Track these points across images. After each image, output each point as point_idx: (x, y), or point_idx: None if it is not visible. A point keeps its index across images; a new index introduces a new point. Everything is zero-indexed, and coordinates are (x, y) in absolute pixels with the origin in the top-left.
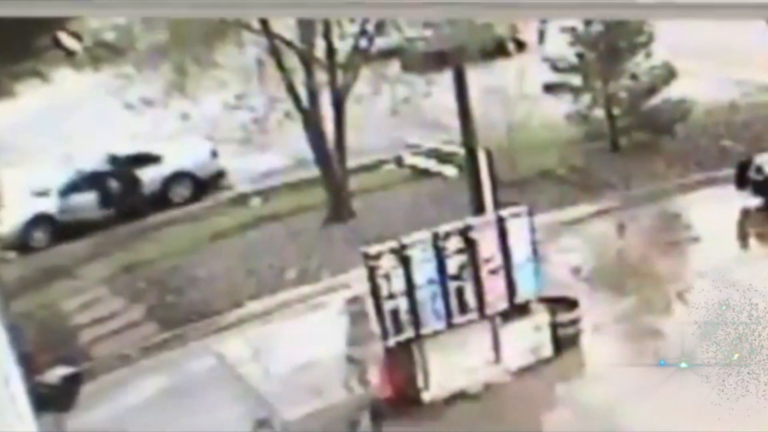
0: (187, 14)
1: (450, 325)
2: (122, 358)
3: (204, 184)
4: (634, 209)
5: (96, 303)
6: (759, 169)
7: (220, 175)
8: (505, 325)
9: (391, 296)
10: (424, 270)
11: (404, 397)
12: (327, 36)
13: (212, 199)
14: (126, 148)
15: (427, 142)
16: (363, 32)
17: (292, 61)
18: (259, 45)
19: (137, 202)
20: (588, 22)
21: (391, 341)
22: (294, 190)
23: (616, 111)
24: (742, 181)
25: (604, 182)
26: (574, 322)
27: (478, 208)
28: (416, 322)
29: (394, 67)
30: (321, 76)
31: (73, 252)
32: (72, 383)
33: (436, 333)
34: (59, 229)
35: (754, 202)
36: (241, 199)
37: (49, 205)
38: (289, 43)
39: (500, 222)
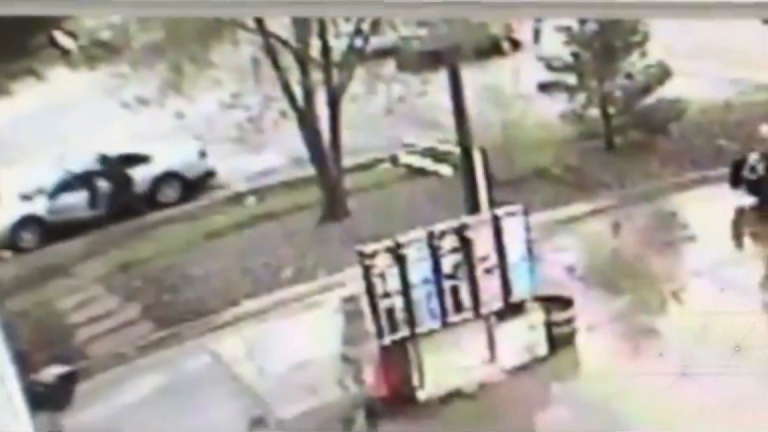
0: (183, 13)
1: (445, 324)
2: (118, 357)
3: (193, 185)
4: (629, 208)
5: (92, 302)
6: (753, 168)
7: (209, 175)
8: (500, 324)
9: (387, 295)
10: (419, 269)
11: (399, 396)
12: (322, 35)
13: (207, 198)
14: (116, 147)
15: (422, 141)
16: (358, 31)
17: (287, 60)
18: (254, 44)
19: (128, 202)
20: (583, 22)
21: (387, 340)
22: (289, 189)
23: (611, 110)
24: (736, 180)
25: (599, 181)
26: (569, 321)
27: (474, 207)
28: (411, 321)
29: (389, 66)
30: (316, 75)
31: (69, 251)
32: (67, 382)
33: (431, 332)
34: (48, 229)
35: (749, 201)
36: (237, 198)
37: (38, 207)
38: (284, 42)
39: (495, 221)
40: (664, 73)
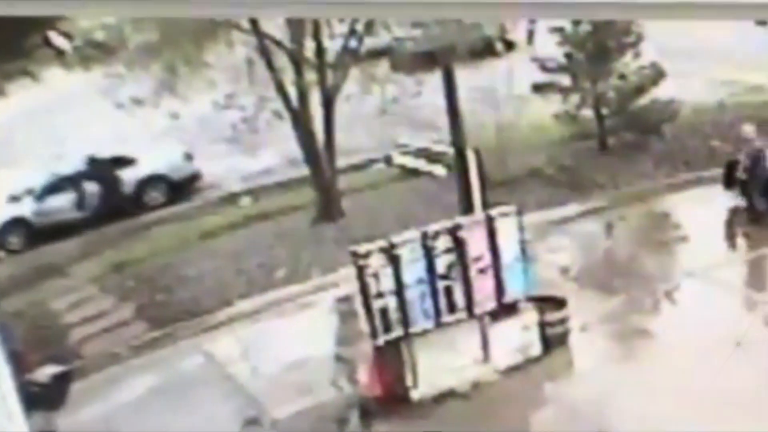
0: (178, 14)
1: (439, 324)
2: (112, 357)
3: (179, 187)
4: (623, 209)
5: (86, 302)
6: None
7: (194, 178)
8: (494, 324)
9: (380, 295)
10: (413, 269)
11: (393, 396)
12: (316, 36)
13: (201, 199)
14: (105, 149)
15: (416, 141)
16: (352, 32)
17: (281, 60)
18: (248, 45)
19: (116, 204)
20: (576, 23)
21: (380, 340)
22: (284, 189)
23: (604, 111)
24: (730, 180)
25: (593, 182)
26: (563, 321)
27: (467, 208)
28: (405, 321)
29: (383, 67)
30: (310, 76)
31: (64, 251)
32: (62, 382)
33: (425, 332)
34: (35, 232)
35: (742, 201)
36: (231, 199)
37: (25, 209)
38: (278, 43)
39: (489, 221)
40: (657, 75)
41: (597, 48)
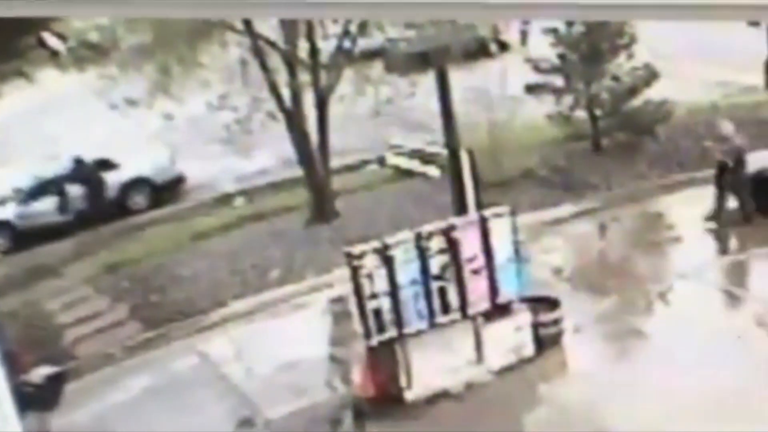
0: (171, 14)
1: (432, 325)
2: (106, 358)
3: (162, 190)
4: (616, 209)
5: (80, 302)
6: None
7: (179, 180)
8: (487, 325)
9: (374, 296)
10: (406, 270)
11: (387, 396)
12: (310, 37)
13: (194, 200)
14: (100, 151)
15: (410, 142)
16: (346, 33)
17: (275, 61)
18: (242, 45)
19: (100, 207)
20: (570, 24)
21: (374, 341)
22: (277, 190)
23: (597, 112)
24: (721, 182)
25: (586, 183)
26: (556, 321)
27: (461, 209)
28: (399, 322)
29: (377, 67)
30: (304, 77)
31: (57, 251)
32: (56, 382)
33: (418, 332)
34: (19, 235)
35: (734, 202)
36: (225, 199)
37: (8, 212)
38: (272, 44)
39: (483, 222)
40: (650, 75)
41: (590, 49)
